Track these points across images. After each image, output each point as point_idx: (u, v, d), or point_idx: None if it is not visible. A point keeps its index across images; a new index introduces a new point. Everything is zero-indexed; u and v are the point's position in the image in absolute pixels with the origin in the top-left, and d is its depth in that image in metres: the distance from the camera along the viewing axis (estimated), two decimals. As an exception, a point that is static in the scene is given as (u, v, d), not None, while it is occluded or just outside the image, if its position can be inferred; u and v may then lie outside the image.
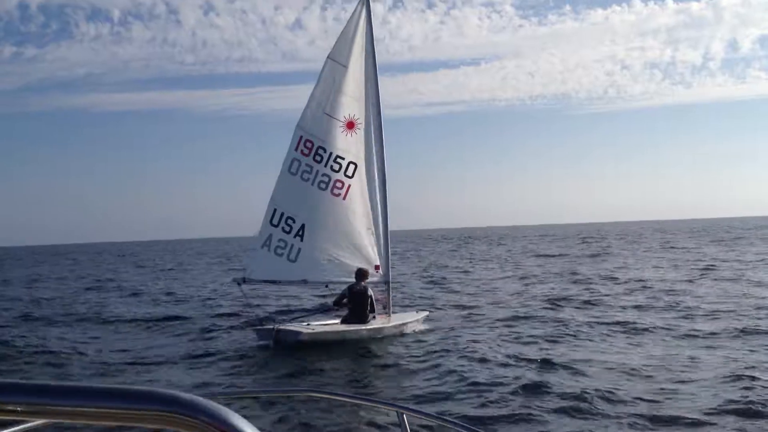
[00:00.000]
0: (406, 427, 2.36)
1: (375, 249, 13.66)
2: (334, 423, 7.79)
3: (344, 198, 13.44)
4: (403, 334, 13.13)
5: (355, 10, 13.62)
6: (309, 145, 13.31)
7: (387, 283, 13.74)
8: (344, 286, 13.03)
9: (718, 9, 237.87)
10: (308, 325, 12.63)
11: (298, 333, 11.97)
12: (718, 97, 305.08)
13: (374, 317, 12.96)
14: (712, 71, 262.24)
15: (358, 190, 13.56)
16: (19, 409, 0.89)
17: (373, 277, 13.39)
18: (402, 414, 2.41)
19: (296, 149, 13.30)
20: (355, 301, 12.81)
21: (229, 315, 16.95)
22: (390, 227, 13.81)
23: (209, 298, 21.43)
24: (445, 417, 2.95)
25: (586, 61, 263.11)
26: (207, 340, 13.46)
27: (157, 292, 24.57)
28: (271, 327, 12.22)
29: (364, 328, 12.60)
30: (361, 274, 13.08)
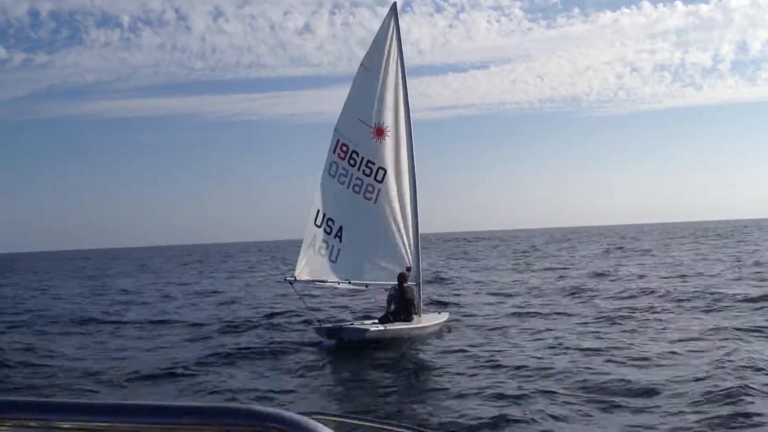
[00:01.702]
0: None
1: (406, 251, 14.09)
2: None
3: (375, 202, 13.90)
4: (439, 333, 13.76)
5: (384, 20, 14.12)
6: (345, 148, 13.71)
7: (418, 285, 14.19)
8: (377, 286, 13.76)
9: (728, 11, 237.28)
10: (370, 323, 13.16)
11: (364, 330, 12.45)
12: (729, 99, 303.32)
13: (419, 316, 13.74)
14: (723, 73, 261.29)
15: (387, 194, 14.01)
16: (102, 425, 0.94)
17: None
18: None
19: (334, 152, 13.71)
20: (403, 302, 13.47)
21: (286, 314, 17.14)
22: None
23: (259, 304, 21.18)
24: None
25: (595, 64, 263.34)
26: (271, 342, 13.37)
27: (225, 295, 24.64)
28: (337, 326, 12.70)
29: (415, 326, 13.31)
30: (404, 276, 13.71)
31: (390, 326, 12.90)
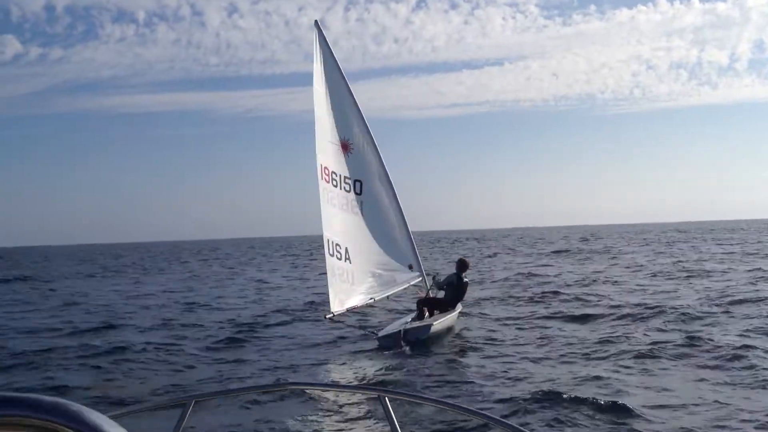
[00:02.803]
0: (388, 409, 2.38)
1: (403, 251, 14.57)
2: (317, 413, 8.04)
3: (362, 214, 14.17)
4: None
5: (314, 39, 14.13)
6: (327, 171, 13.85)
7: (423, 278, 14.70)
8: (389, 294, 14.36)
9: (745, 9, 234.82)
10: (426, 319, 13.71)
11: (429, 326, 13.07)
12: (745, 97, 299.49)
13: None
14: (739, 72, 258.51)
15: (369, 203, 14.30)
16: None
17: (413, 276, 14.58)
18: (384, 397, 2.42)
19: (321, 178, 13.78)
20: (459, 290, 14.33)
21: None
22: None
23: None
24: (426, 396, 3.21)
25: (611, 62, 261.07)
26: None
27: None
28: (398, 330, 12.84)
29: (454, 314, 14.26)
30: (465, 265, 14.62)
31: (446, 318, 13.76)
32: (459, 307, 14.62)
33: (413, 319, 13.84)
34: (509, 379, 9.75)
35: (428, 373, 10.34)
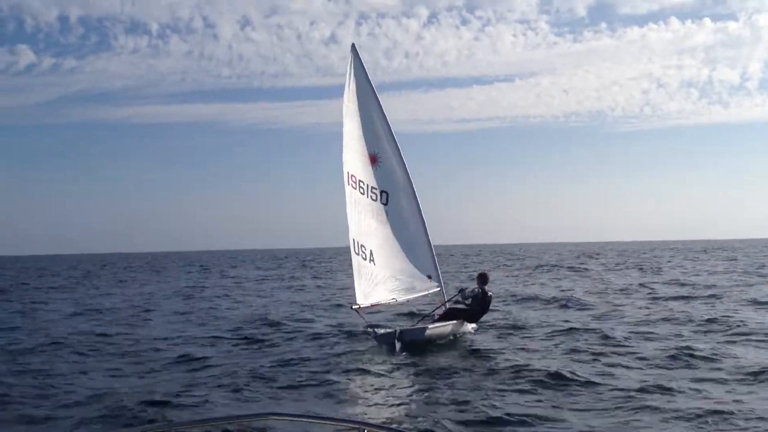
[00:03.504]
0: None
1: (424, 262, 15.21)
2: None
3: (387, 223, 15.03)
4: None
5: (349, 60, 15.03)
6: (354, 179, 14.76)
7: (440, 286, 15.25)
8: (409, 299, 15.04)
9: (756, 28, 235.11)
10: (422, 323, 14.36)
11: (423, 330, 13.60)
12: (756, 117, 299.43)
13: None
14: (750, 91, 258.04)
15: (394, 214, 15.13)
16: None
17: (432, 286, 15.08)
18: (363, 430, 2.39)
19: (348, 184, 14.69)
20: (484, 303, 14.68)
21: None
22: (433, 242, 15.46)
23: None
24: (407, 429, 3.12)
25: (621, 79, 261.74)
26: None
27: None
28: (392, 330, 13.54)
29: (469, 327, 14.72)
30: (485, 278, 15.05)
31: (439, 324, 14.15)
32: (479, 320, 15.12)
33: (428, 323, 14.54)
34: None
35: (409, 401, 9.92)
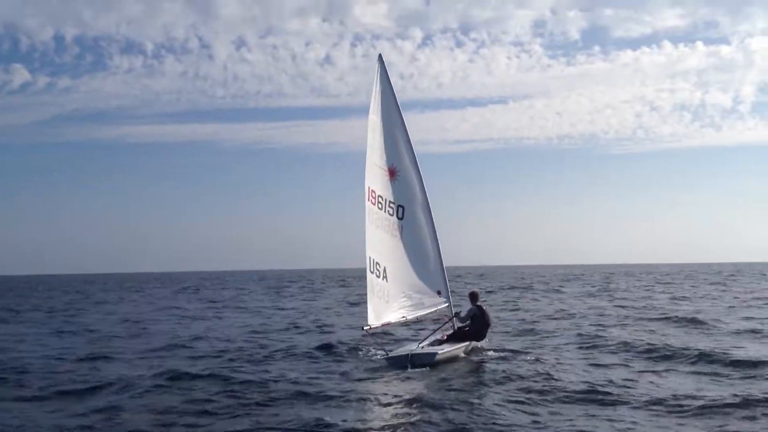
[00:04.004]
0: None
1: (434, 277, 15.31)
2: None
3: (401, 238, 15.07)
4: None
5: (376, 71, 15.16)
6: (373, 193, 14.82)
7: (449, 303, 15.37)
8: (418, 315, 15.12)
9: (749, 52, 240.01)
10: (430, 345, 14.45)
11: (434, 355, 13.63)
12: (749, 140, 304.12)
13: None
14: (742, 114, 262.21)
15: (409, 229, 15.16)
16: None
17: (440, 301, 15.29)
18: None
19: (368, 200, 14.75)
20: (482, 322, 14.99)
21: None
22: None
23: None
24: None
25: (614, 102, 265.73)
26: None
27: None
28: (405, 354, 13.68)
29: (478, 344, 14.99)
30: (476, 296, 15.31)
31: (449, 346, 14.30)
32: (488, 337, 15.49)
33: (433, 343, 14.68)
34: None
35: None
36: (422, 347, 14.28)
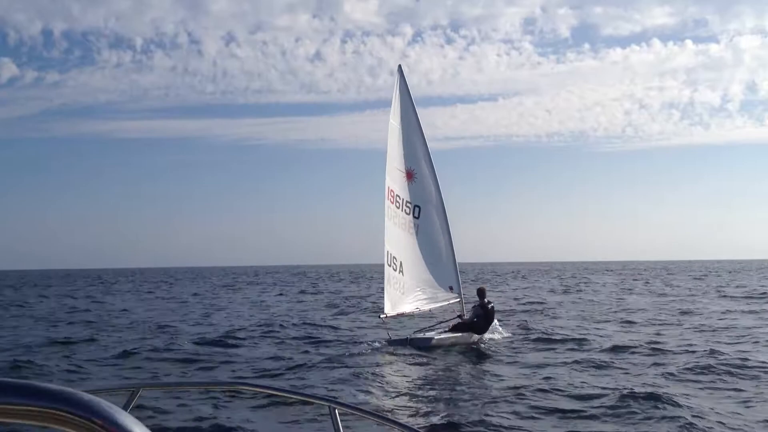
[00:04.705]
0: (337, 422, 2.31)
1: (447, 273, 16.33)
2: (263, 416, 8.13)
3: (417, 235, 16.16)
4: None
5: (396, 81, 16.40)
6: (392, 193, 15.90)
7: (460, 300, 16.35)
8: (431, 308, 16.19)
9: (737, 51, 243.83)
10: (429, 331, 15.54)
11: (430, 339, 14.84)
12: (737, 138, 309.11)
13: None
14: (731, 113, 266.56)
15: (424, 227, 16.25)
16: None
17: (452, 296, 16.28)
18: (334, 409, 2.33)
19: (387, 198, 15.85)
20: (486, 317, 15.74)
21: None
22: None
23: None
24: (378, 413, 2.97)
25: (604, 100, 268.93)
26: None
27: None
28: (405, 338, 15.02)
29: (478, 336, 15.62)
30: (483, 292, 15.96)
31: (446, 335, 15.30)
32: (487, 332, 15.99)
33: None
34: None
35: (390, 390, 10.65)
36: (424, 333, 15.49)
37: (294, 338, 16.99)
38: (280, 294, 41.55)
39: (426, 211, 16.38)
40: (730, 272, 77.68)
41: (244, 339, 16.80)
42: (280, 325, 20.09)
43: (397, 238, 15.97)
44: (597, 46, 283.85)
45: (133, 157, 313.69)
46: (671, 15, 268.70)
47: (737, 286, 42.95)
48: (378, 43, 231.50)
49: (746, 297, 31.84)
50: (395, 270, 15.78)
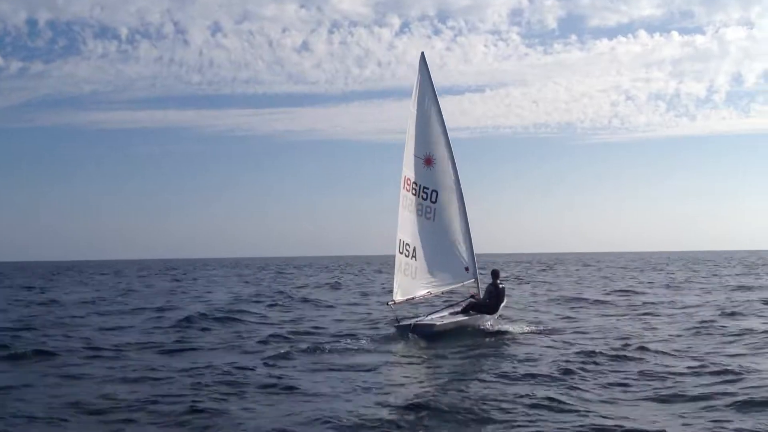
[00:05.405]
0: None
1: (464, 256, 16.84)
2: None
3: (434, 219, 16.57)
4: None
5: (418, 68, 16.69)
6: (408, 182, 16.28)
7: (476, 279, 16.95)
8: (444, 290, 16.85)
9: (724, 42, 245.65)
10: (432, 318, 15.93)
11: (432, 326, 15.19)
12: (723, 129, 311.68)
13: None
14: (717, 104, 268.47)
15: (442, 211, 16.66)
16: None
17: (468, 277, 16.82)
18: None
19: (403, 188, 16.25)
20: (498, 296, 16.39)
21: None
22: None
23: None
24: None
25: (590, 91, 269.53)
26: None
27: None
28: (409, 324, 15.28)
29: (480, 319, 16.14)
30: (497, 273, 16.75)
31: (452, 318, 15.85)
32: (499, 311, 16.66)
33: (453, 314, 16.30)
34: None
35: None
36: (431, 318, 15.92)
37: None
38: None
39: (443, 196, 16.78)
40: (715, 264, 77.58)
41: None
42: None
43: (412, 224, 16.36)
44: (584, 38, 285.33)
45: (118, 147, 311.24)
46: (658, 6, 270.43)
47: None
48: (365, 33, 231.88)
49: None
50: (407, 256, 16.17)
